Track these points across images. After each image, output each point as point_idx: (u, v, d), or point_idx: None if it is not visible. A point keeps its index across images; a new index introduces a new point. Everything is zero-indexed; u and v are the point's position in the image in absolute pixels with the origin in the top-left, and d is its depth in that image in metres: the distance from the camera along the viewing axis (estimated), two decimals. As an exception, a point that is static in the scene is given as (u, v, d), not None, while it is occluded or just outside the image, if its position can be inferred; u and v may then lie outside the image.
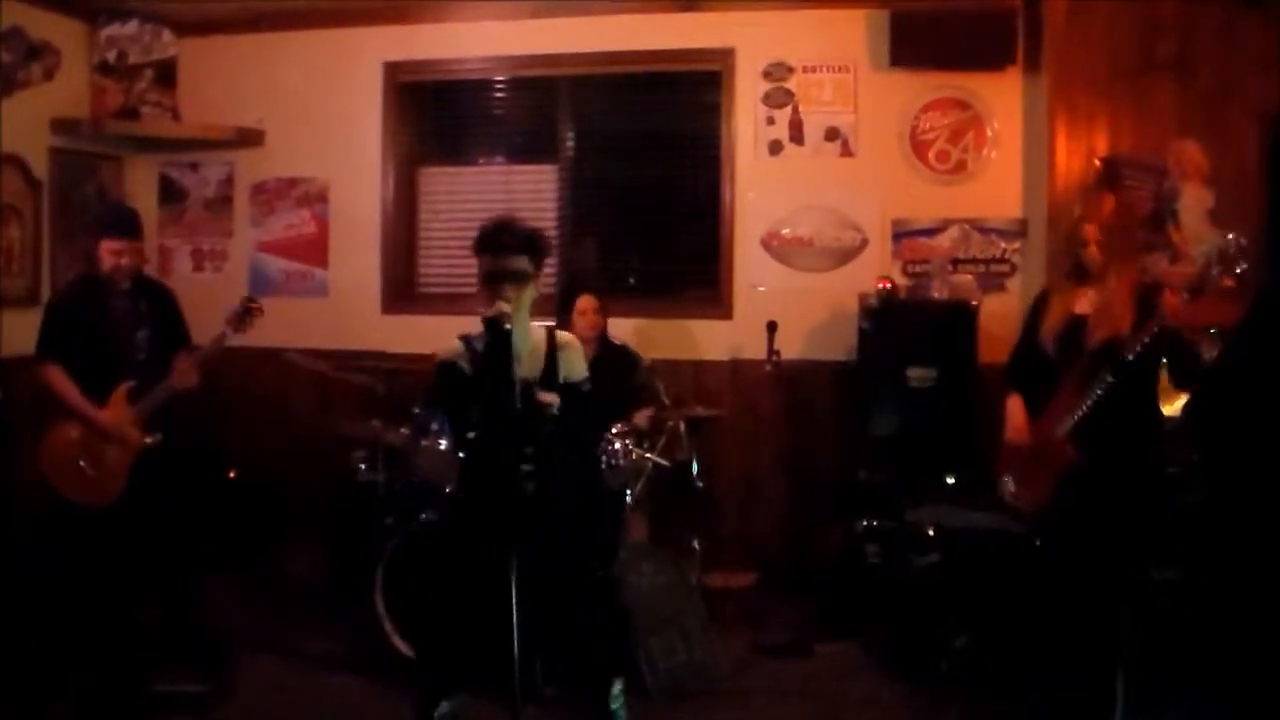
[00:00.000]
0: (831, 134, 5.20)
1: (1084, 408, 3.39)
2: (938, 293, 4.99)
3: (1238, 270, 3.11)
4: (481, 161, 5.74)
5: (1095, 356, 3.42)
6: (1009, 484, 3.63)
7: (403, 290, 5.69)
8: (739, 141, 5.28)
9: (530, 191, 5.59)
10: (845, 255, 5.21)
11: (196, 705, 3.72)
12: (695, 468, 4.59)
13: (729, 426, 5.12)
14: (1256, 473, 2.77)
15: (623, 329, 4.95)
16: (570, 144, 5.57)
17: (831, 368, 5.13)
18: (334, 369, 4.77)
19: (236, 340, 4.05)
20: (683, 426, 4.54)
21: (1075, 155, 4.70)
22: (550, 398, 3.15)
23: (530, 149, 5.64)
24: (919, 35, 4.96)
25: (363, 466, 4.50)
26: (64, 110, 5.32)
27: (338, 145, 5.65)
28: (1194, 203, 4.53)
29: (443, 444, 4.16)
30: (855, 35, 5.16)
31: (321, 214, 5.70)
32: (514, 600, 2.81)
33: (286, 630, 4.44)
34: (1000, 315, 4.80)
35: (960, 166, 5.12)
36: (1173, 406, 3.49)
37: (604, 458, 4.10)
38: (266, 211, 5.75)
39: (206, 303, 4.52)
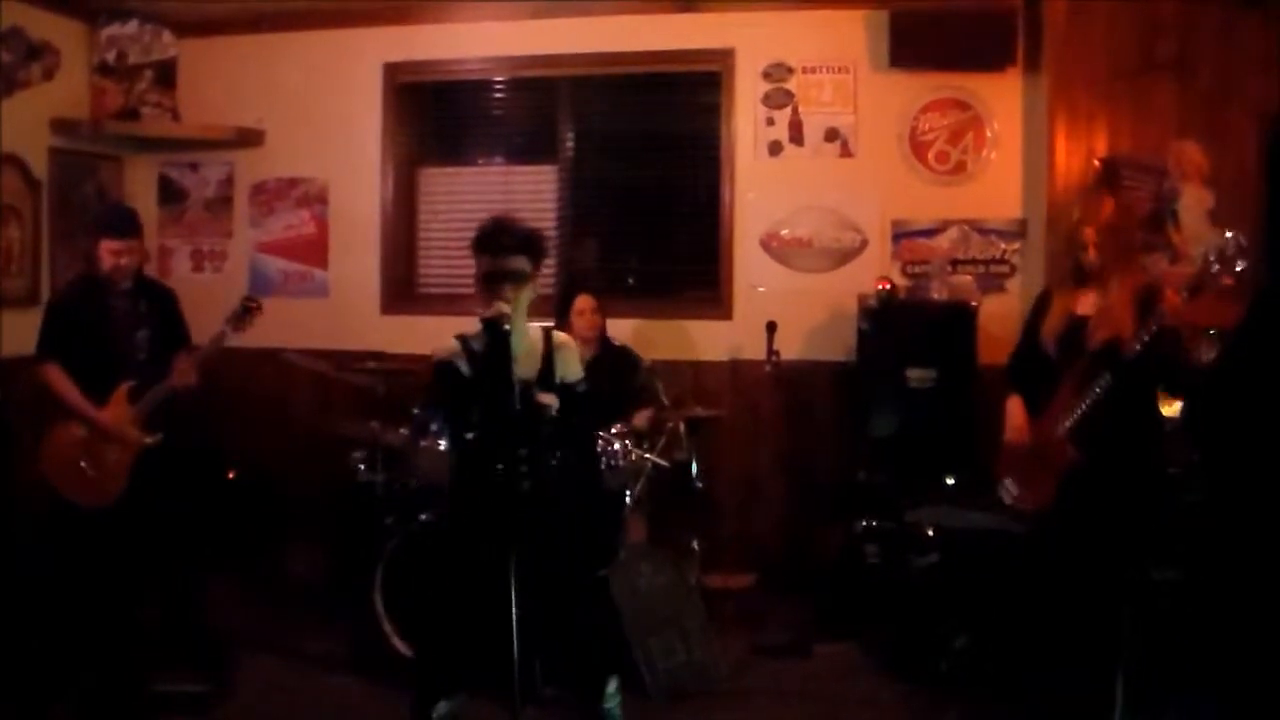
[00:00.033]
0: (831, 135, 5.20)
1: (1084, 407, 3.39)
2: (937, 293, 5.00)
3: (1237, 270, 3.11)
4: (481, 162, 5.73)
5: (1096, 357, 3.42)
6: (1010, 488, 3.63)
7: (402, 290, 5.69)
8: (738, 142, 5.28)
9: (530, 192, 5.59)
10: (845, 256, 5.21)
11: (196, 705, 3.71)
12: (695, 468, 4.58)
13: (728, 427, 5.12)
14: (1256, 473, 2.76)
15: (622, 329, 4.96)
16: (570, 144, 5.57)
17: (831, 368, 5.13)
18: (334, 369, 4.78)
19: (236, 340, 4.05)
20: (682, 427, 4.53)
21: (1075, 156, 4.70)
22: (549, 398, 3.16)
23: (530, 149, 5.64)
24: (919, 36, 4.96)
25: (362, 467, 4.50)
26: (64, 110, 5.32)
27: (337, 146, 5.65)
28: (1194, 203, 4.53)
29: (442, 444, 4.18)
30: (855, 36, 5.16)
31: (321, 214, 5.70)
32: (513, 600, 2.81)
33: (286, 630, 4.44)
34: (1000, 316, 4.80)
35: (960, 167, 5.11)
36: (1173, 407, 3.50)
37: (604, 458, 4.11)
38: (266, 212, 5.75)
39: (206, 303, 4.52)
